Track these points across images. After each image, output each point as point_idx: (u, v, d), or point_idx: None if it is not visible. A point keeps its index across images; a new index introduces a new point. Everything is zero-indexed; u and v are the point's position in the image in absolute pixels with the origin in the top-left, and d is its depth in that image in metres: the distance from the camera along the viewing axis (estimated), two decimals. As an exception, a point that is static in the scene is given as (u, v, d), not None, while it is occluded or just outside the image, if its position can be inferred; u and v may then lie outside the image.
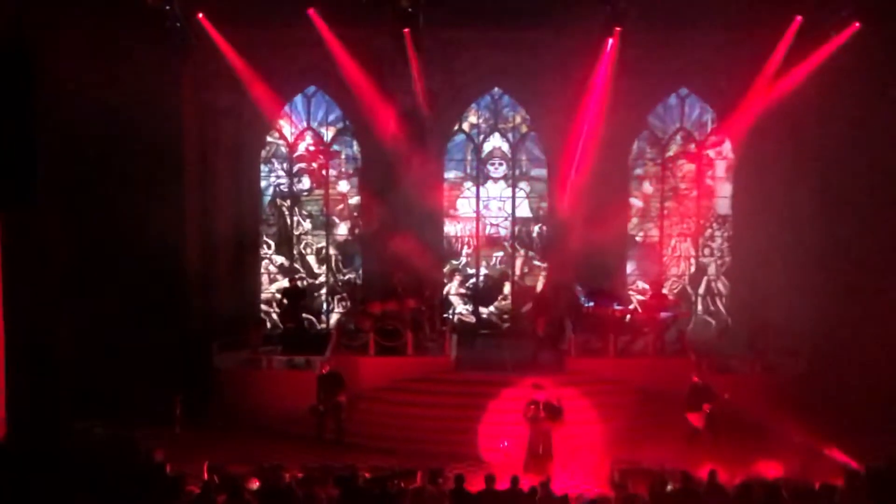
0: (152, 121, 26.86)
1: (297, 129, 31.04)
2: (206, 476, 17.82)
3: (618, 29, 27.20)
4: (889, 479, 17.85)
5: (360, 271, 31.20)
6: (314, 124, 31.11)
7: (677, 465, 19.05)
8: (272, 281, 31.35)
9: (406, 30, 27.32)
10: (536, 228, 31.57)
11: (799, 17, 27.12)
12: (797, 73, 27.58)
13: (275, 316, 30.59)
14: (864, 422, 23.40)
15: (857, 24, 26.40)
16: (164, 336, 26.87)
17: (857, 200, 27.49)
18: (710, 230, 31.36)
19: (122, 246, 26.52)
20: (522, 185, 31.55)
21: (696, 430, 22.67)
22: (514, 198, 31.43)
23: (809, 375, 26.17)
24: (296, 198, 31.43)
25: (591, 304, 27.34)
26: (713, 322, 30.84)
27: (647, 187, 31.33)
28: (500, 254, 31.71)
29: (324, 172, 31.30)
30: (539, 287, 30.00)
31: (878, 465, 18.88)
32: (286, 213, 31.41)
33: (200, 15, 27.16)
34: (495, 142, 31.43)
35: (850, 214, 27.62)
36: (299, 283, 30.07)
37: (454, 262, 31.64)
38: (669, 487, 17.79)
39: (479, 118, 31.45)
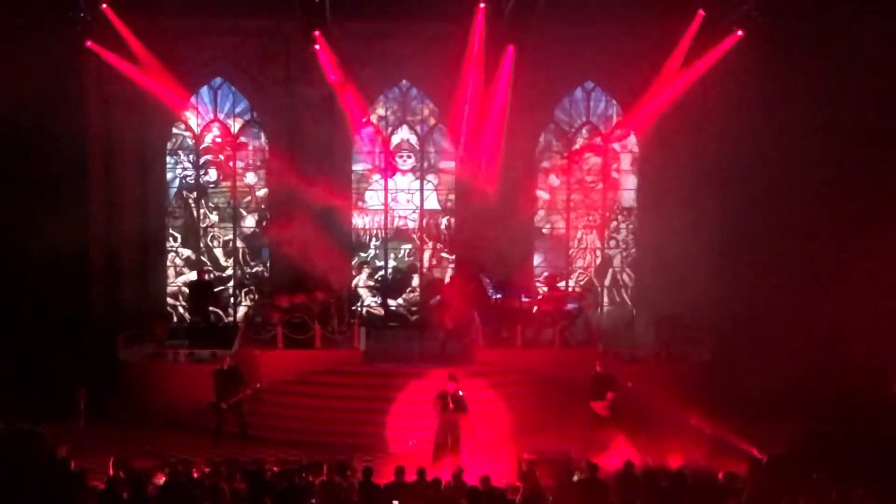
0: (55, 111, 26.52)
1: (204, 120, 30.78)
2: (111, 471, 17.62)
3: (526, 22, 27.41)
4: (790, 466, 18.20)
5: (268, 264, 31.05)
6: (221, 116, 30.87)
7: (583, 455, 19.29)
8: (178, 274, 31.08)
9: (313, 21, 27.25)
10: (444, 221, 31.65)
11: (702, 12, 27.52)
12: (700, 67, 28.02)
13: (181, 309, 30.34)
14: (767, 410, 23.80)
15: (759, 19, 26.88)
16: (69, 329, 26.54)
17: (759, 193, 27.99)
18: (615, 222, 31.71)
19: (25, 238, 26.07)
20: (430, 177, 31.60)
21: (600, 418, 22.88)
22: (422, 190, 31.47)
23: (713, 364, 26.58)
24: (202, 190, 31.17)
25: (499, 295, 27.51)
26: (619, 313, 31.12)
27: (554, 180, 31.57)
28: (409, 246, 31.75)
29: (231, 164, 31.06)
30: (447, 279, 30.06)
31: (780, 452, 19.25)
32: (193, 205, 31.14)
33: (104, 5, 26.81)
34: (403, 134, 31.45)
35: (751, 207, 28.15)
36: (207, 275, 29.81)
37: (362, 254, 31.62)
38: (576, 477, 17.96)
39: (386, 110, 31.44)
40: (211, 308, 29.36)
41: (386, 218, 31.52)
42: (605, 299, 31.65)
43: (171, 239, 31.03)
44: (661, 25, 27.87)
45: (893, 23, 26.41)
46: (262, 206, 31.17)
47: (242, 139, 31.10)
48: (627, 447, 20.61)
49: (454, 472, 17.96)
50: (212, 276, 30.55)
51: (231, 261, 31.29)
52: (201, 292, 28.60)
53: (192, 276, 30.01)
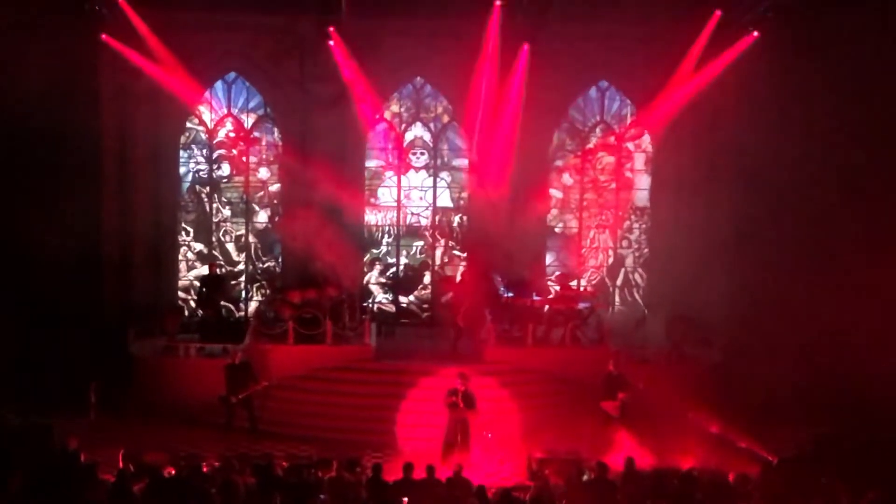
0: (69, 105, 26.56)
1: (217, 115, 30.78)
2: (121, 464, 17.65)
3: (541, 20, 27.40)
4: (801, 469, 18.16)
5: (280, 259, 31.06)
6: (234, 111, 30.87)
7: (593, 454, 19.27)
8: (190, 268, 31.11)
9: (328, 17, 27.25)
10: (457, 218, 31.63)
11: (718, 12, 27.48)
12: (715, 67, 27.99)
13: (192, 303, 30.38)
14: (777, 412, 23.75)
15: (774, 19, 26.83)
16: (80, 323, 26.58)
17: (773, 194, 27.90)
18: (628, 222, 31.65)
19: (38, 232, 26.07)
20: (443, 174, 31.58)
21: (610, 418, 22.85)
22: (434, 187, 31.46)
23: (724, 366, 26.52)
24: (215, 184, 31.18)
25: (510, 294, 27.47)
26: (630, 313, 31.05)
27: (567, 179, 31.53)
28: (421, 243, 31.73)
29: (244, 159, 31.07)
30: (459, 277, 30.03)
31: (791, 455, 19.22)
32: (205, 199, 31.15)
33: (121, -1, 26.94)
34: (417, 131, 31.43)
35: (765, 208, 28.07)
36: (218, 269, 29.80)
37: (374, 251, 31.61)
38: (586, 477, 17.95)
39: (400, 107, 31.42)
40: (222, 302, 29.40)
41: (398, 215, 31.51)
42: (617, 299, 31.60)
43: (183, 233, 31.06)
44: (677, 25, 27.81)
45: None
46: (275, 202, 31.17)
47: (256, 134, 31.08)
48: (637, 447, 20.59)
49: (454, 470, 17.94)
50: (223, 270, 30.54)
51: (243, 256, 31.31)
52: (213, 286, 28.60)
53: (204, 270, 30.03)
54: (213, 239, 31.21)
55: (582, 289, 30.24)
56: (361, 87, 28.86)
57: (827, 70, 26.95)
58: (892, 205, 26.68)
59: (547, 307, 27.26)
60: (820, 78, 26.96)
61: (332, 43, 27.85)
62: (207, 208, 31.16)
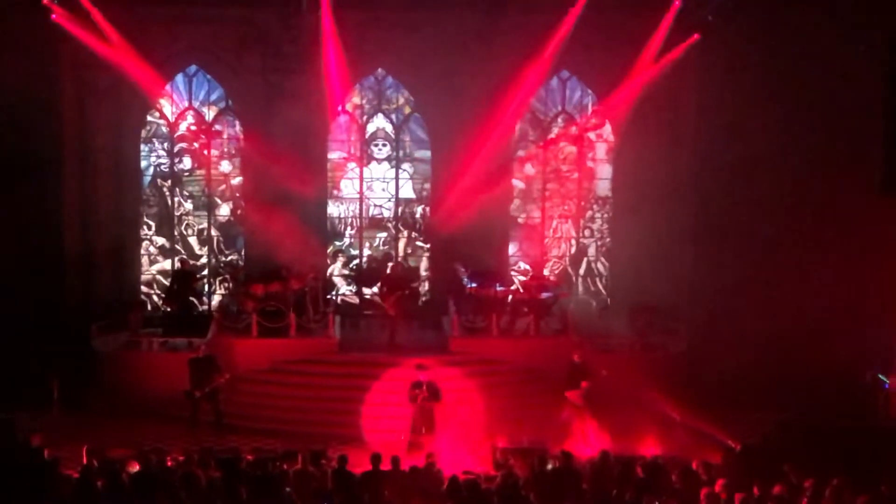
0: (30, 99, 26.36)
1: (179, 108, 30.64)
2: (85, 460, 17.57)
3: (502, 11, 27.45)
4: (764, 456, 18.28)
5: (243, 252, 30.97)
6: (196, 104, 30.76)
7: (558, 444, 19.33)
8: (153, 262, 30.98)
9: (290, 9, 27.20)
10: (420, 209, 31.63)
11: (678, 2, 27.59)
12: (675, 57, 28.07)
13: (156, 297, 30.25)
14: (741, 400, 23.91)
15: (734, 10, 26.97)
16: (42, 318, 26.42)
17: (734, 184, 28.05)
18: (590, 212, 31.73)
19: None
20: (406, 166, 31.57)
21: (575, 407, 22.89)
22: (397, 179, 31.45)
23: (687, 354, 26.67)
24: (177, 178, 31.07)
25: (474, 284, 27.48)
26: (593, 302, 31.19)
27: (529, 169, 31.58)
28: (384, 235, 31.72)
29: (205, 153, 30.93)
30: (389, 270, 29.73)
31: (753, 442, 19.34)
32: (167, 193, 31.03)
33: (80, -8, 26.77)
34: (379, 123, 31.40)
35: (726, 197, 28.23)
36: (184, 265, 29.61)
37: (337, 243, 31.58)
38: (550, 466, 18.02)
39: (362, 99, 31.38)
40: (190, 297, 29.24)
41: (361, 206, 31.49)
42: (580, 288, 31.67)
43: (145, 227, 30.92)
44: (637, 15, 27.92)
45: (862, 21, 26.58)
46: (237, 195, 31.07)
47: (217, 127, 31.00)
48: (602, 436, 20.68)
49: (427, 460, 17.97)
50: (195, 264, 30.40)
51: (205, 249, 31.19)
52: (184, 282, 28.43)
53: (167, 264, 29.93)
54: (176, 233, 31.09)
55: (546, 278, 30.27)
56: (322, 79, 28.80)
57: (786, 58, 27.15)
58: (854, 192, 26.86)
59: (511, 297, 27.33)
60: (778, 66, 27.16)
61: (293, 34, 27.78)
62: (169, 202, 31.04)
